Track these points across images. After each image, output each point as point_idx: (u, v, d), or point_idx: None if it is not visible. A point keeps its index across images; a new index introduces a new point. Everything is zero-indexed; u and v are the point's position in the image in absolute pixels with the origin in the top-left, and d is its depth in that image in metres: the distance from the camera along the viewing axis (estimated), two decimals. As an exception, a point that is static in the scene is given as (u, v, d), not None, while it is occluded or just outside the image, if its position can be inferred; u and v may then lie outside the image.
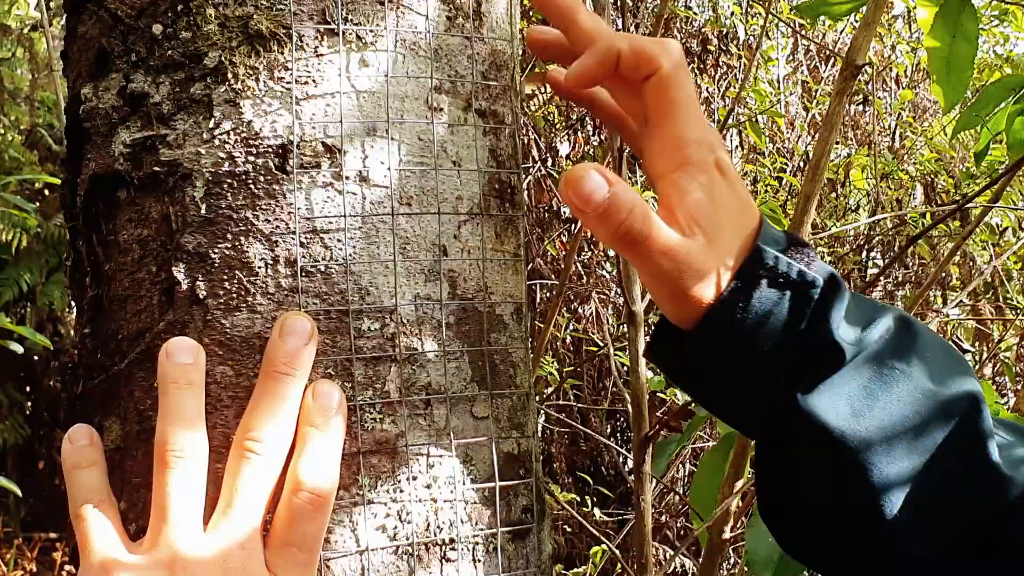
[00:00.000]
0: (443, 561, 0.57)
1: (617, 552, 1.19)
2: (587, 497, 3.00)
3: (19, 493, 2.28)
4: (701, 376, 0.59)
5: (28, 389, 5.31)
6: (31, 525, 4.73)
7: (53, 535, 4.49)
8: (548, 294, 3.18)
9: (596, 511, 2.88)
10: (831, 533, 0.57)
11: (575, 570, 2.68)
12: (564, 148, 3.18)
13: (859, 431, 0.53)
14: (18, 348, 2.05)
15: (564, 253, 3.09)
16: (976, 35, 1.19)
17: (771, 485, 0.58)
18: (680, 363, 0.59)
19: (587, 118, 3.36)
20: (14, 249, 4.26)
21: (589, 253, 3.25)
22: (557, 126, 3.39)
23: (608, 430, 3.68)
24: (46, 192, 4.84)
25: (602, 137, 3.30)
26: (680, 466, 3.20)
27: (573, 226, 3.09)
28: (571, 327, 3.15)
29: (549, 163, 3.16)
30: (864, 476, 0.53)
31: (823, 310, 0.55)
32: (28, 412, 5.24)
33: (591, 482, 3.27)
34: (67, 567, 4.27)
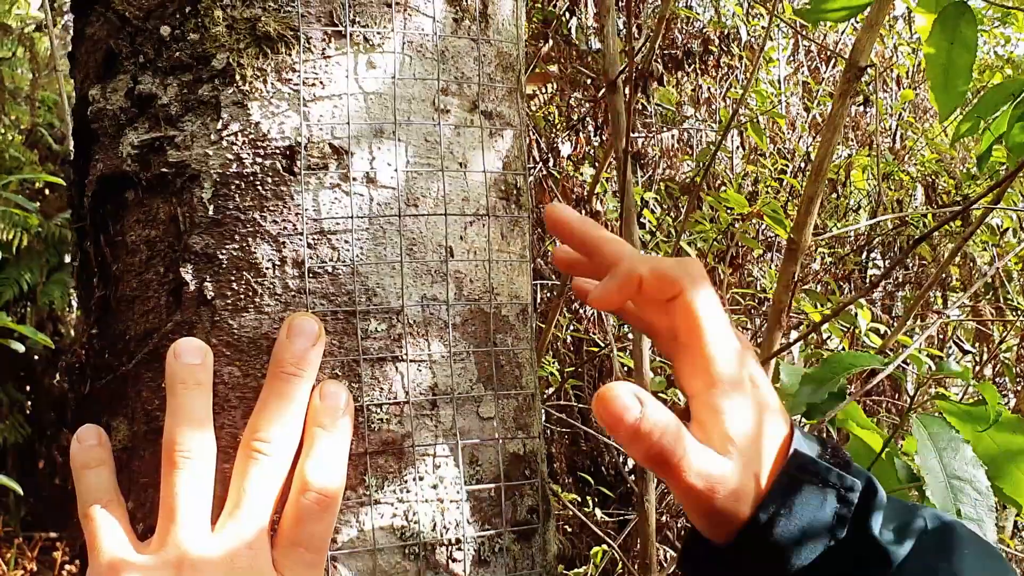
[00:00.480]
0: (450, 561, 0.57)
1: (620, 552, 1.19)
2: (588, 497, 3.00)
3: (20, 492, 2.28)
4: None
5: (28, 388, 5.31)
6: (31, 524, 4.73)
7: (53, 534, 4.49)
8: (549, 294, 3.18)
9: (597, 511, 2.88)
10: None
11: (576, 570, 2.68)
12: (566, 149, 3.18)
13: None
14: (19, 347, 2.05)
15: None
16: (975, 42, 1.18)
17: None
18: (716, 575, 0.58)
19: (588, 119, 3.36)
20: (15, 248, 4.27)
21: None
22: (557, 126, 3.39)
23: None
24: (47, 192, 4.84)
25: (603, 137, 3.30)
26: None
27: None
28: (572, 327, 3.15)
29: (550, 163, 3.16)
30: None
31: (864, 514, 0.54)
32: (28, 412, 5.24)
33: (592, 482, 3.27)
34: (67, 566, 4.27)
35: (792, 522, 0.53)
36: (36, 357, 4.99)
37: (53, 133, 5.12)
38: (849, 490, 0.54)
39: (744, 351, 0.56)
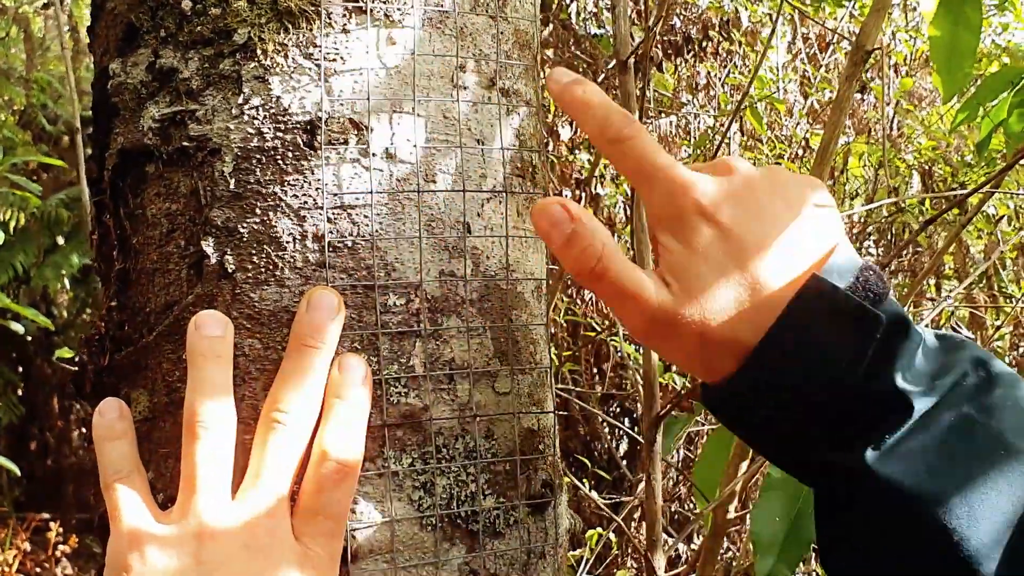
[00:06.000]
0: (466, 532, 0.58)
1: (626, 528, 1.20)
2: (585, 480, 3.02)
3: (17, 472, 2.28)
4: (748, 426, 0.54)
5: (21, 369, 5.31)
6: (24, 505, 4.74)
7: (46, 515, 4.50)
8: (547, 279, 3.18)
9: (594, 494, 2.90)
10: None
11: (572, 552, 2.70)
12: (565, 132, 3.18)
13: (935, 490, 0.47)
14: (19, 328, 2.06)
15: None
16: (979, 25, 1.19)
17: (837, 546, 0.52)
18: (727, 411, 0.55)
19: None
20: (11, 229, 4.26)
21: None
22: (553, 111, 3.39)
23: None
24: (42, 173, 4.83)
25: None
26: (675, 452, 3.22)
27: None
28: (569, 311, 3.16)
29: (549, 147, 3.16)
30: (945, 539, 0.47)
31: (885, 354, 0.49)
32: (21, 392, 5.24)
33: (589, 465, 3.29)
34: (60, 546, 4.28)
35: (794, 360, 0.50)
36: (29, 338, 4.99)
37: (47, 113, 5.10)
38: (871, 324, 0.49)
39: (698, 185, 0.54)
